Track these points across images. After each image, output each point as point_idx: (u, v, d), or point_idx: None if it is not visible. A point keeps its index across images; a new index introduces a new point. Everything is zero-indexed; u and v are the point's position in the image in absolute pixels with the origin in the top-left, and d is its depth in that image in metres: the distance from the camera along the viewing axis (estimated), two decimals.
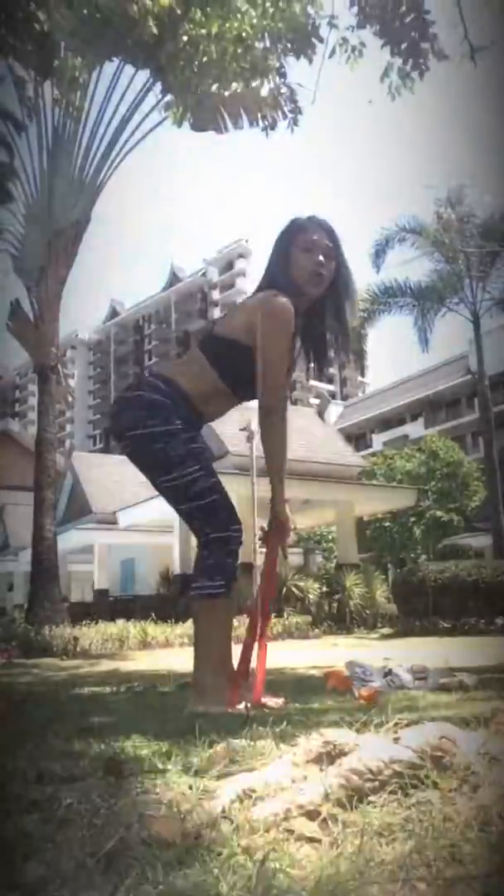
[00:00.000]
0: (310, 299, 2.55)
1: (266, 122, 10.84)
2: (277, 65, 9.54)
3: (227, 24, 8.82)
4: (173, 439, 2.40)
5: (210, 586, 2.37)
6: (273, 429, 2.49)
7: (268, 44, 9.05)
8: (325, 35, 7.21)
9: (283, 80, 10.03)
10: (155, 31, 9.05)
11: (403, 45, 6.48)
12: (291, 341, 2.51)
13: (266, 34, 8.85)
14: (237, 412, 2.58)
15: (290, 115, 10.49)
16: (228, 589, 2.39)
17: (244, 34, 8.77)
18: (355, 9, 6.49)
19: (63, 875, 0.86)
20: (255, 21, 8.73)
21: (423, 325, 17.92)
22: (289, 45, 8.54)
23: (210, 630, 2.42)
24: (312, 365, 2.74)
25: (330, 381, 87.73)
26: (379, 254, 17.86)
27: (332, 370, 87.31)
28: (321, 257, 2.51)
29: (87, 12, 8.88)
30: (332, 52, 6.50)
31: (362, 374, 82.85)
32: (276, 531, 2.56)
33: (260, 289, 2.58)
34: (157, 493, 2.53)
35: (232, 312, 2.65)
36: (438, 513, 26.98)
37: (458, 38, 6.27)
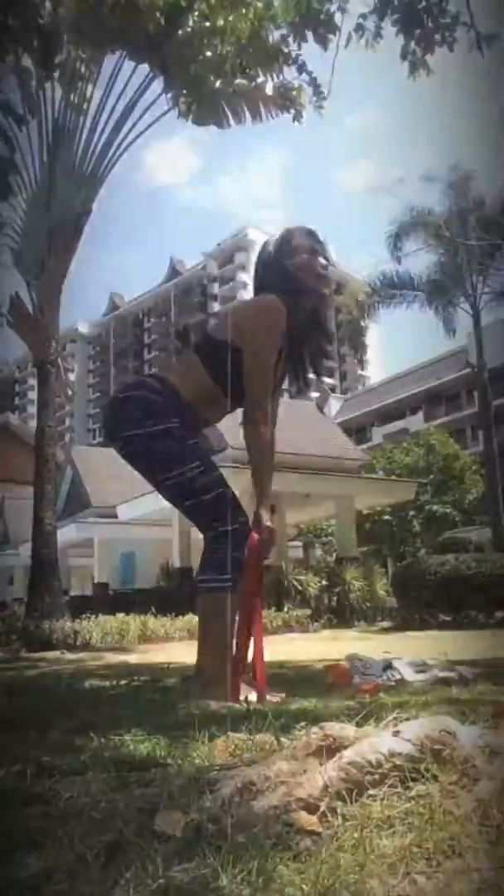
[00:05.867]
0: (314, 300, 2.61)
1: (271, 116, 10.78)
2: (282, 57, 9.40)
3: (233, 17, 8.70)
4: (170, 437, 2.40)
5: (218, 580, 2.37)
6: (259, 439, 2.48)
7: (275, 36, 8.91)
8: (338, 23, 7.02)
9: (282, 77, 9.91)
10: (161, 22, 8.95)
11: (417, 32, 6.34)
12: (280, 343, 2.51)
13: (272, 26, 8.69)
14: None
15: (293, 111, 10.39)
16: (235, 583, 2.38)
17: (251, 26, 8.62)
18: None
19: (63, 869, 0.87)
20: (261, 13, 8.58)
21: (444, 314, 17.91)
22: (304, 33, 8.36)
23: (215, 624, 2.41)
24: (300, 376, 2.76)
25: (330, 374, 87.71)
26: (393, 246, 17.87)
27: (333, 364, 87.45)
28: (322, 259, 2.66)
29: (91, 4, 8.80)
30: (348, 40, 6.31)
31: (362, 368, 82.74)
32: (261, 546, 2.46)
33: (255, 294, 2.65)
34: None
35: (224, 313, 2.73)
36: (435, 506, 27.00)
37: (463, 28, 6.17)
